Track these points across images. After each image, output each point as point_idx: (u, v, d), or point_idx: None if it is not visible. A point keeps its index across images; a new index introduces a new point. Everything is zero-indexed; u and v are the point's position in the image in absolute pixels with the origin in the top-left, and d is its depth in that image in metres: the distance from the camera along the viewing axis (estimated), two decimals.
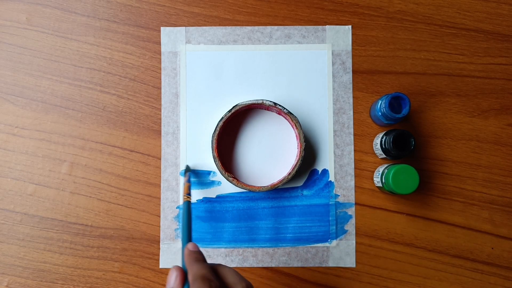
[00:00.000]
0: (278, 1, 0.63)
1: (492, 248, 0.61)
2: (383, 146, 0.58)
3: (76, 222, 0.61)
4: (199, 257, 0.43)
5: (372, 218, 0.61)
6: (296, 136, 0.61)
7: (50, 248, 0.61)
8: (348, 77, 0.62)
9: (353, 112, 0.62)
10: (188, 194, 0.54)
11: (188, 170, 0.61)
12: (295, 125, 0.59)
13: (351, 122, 0.62)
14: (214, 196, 0.61)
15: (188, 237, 0.47)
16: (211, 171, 0.62)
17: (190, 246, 0.44)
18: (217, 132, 0.58)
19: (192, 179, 0.62)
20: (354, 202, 0.61)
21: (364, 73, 0.63)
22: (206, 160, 0.62)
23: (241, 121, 0.62)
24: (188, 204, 0.52)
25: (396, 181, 0.55)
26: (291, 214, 0.61)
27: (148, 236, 0.61)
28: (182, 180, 0.61)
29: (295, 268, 0.61)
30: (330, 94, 0.62)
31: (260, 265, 0.61)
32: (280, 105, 0.59)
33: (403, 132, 0.57)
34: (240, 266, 0.61)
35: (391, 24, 0.63)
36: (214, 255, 0.61)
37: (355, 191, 0.61)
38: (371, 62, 0.63)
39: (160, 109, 0.62)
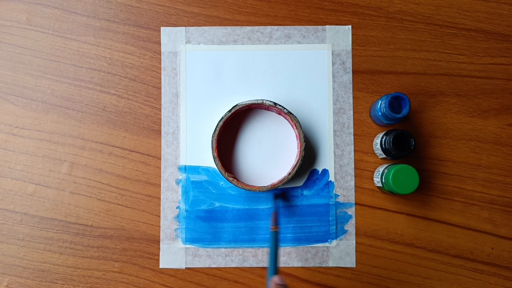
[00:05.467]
0: (278, 1, 0.63)
1: (492, 248, 0.61)
2: (383, 146, 0.58)
3: (76, 222, 0.61)
4: None
5: (372, 218, 0.61)
6: (296, 136, 0.61)
7: (50, 248, 0.61)
8: (348, 77, 0.62)
9: (353, 112, 0.62)
10: (276, 223, 0.54)
11: (276, 197, 0.60)
12: (295, 125, 0.59)
13: (351, 122, 0.62)
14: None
15: (274, 268, 0.48)
16: (209, 167, 0.62)
17: (276, 279, 0.45)
18: (217, 132, 0.58)
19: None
20: (354, 202, 0.61)
21: (364, 73, 0.63)
22: (206, 160, 0.62)
23: (241, 121, 0.62)
24: (275, 234, 0.52)
25: (396, 181, 0.55)
26: (291, 214, 0.61)
27: (148, 236, 0.61)
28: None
29: (295, 268, 0.61)
30: (330, 94, 0.62)
31: (260, 265, 0.61)
32: (280, 105, 0.59)
33: (403, 132, 0.57)
34: (240, 266, 0.61)
35: (391, 24, 0.63)
36: (214, 255, 0.61)
37: (355, 191, 0.61)
38: (371, 62, 0.63)
39: (160, 109, 0.62)
